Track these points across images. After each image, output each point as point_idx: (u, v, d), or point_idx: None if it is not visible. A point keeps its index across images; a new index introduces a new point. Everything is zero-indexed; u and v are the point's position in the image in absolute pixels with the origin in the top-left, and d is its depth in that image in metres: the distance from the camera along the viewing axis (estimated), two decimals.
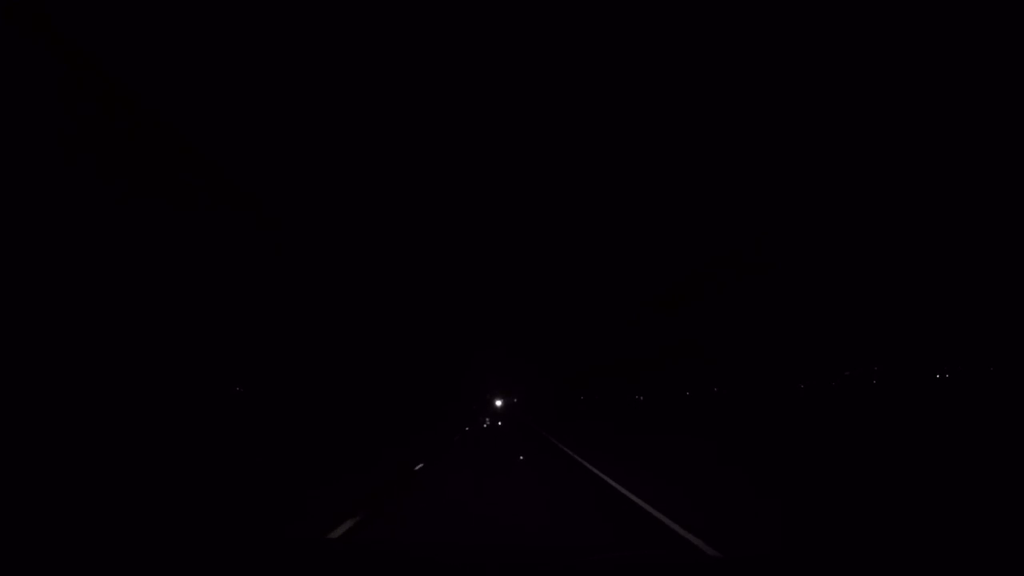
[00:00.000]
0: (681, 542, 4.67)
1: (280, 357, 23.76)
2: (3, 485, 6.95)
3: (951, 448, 9.49)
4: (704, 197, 43.44)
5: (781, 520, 5.16)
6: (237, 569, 1.72)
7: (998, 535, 4.38)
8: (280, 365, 23.58)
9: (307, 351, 26.08)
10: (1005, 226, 26.66)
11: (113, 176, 19.59)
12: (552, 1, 27.29)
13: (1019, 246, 25.96)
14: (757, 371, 45.69)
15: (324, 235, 33.63)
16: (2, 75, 17.00)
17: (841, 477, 7.40)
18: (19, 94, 17.60)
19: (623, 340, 65.31)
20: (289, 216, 28.58)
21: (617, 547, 4.56)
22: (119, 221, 19.15)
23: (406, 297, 56.11)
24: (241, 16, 22.94)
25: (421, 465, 10.48)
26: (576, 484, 8.13)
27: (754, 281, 41.89)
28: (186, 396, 19.06)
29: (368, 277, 44.64)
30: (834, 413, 21.06)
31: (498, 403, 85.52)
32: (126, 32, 21.06)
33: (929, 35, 26.34)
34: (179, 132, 22.34)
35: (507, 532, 5.05)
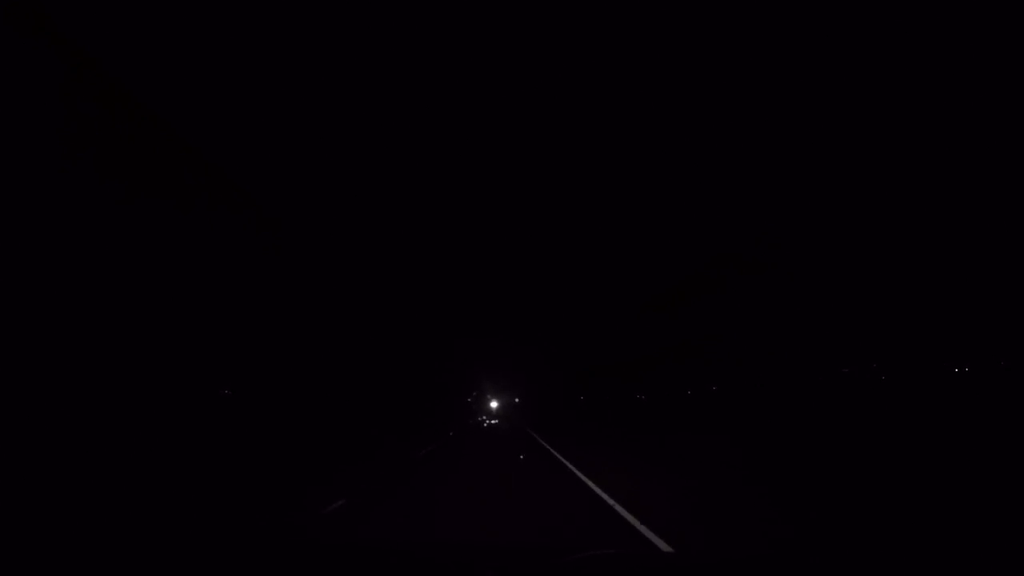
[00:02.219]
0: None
1: (272, 360, 23.73)
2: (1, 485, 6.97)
3: (956, 446, 9.43)
4: (704, 197, 43.38)
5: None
6: (220, 568, 1.75)
7: (999, 535, 4.36)
8: (271, 368, 23.51)
9: (301, 354, 26.01)
10: (1003, 224, 26.63)
11: (113, 176, 19.61)
12: (552, 1, 27.29)
13: (1018, 243, 25.93)
14: (757, 369, 45.66)
15: (324, 235, 33.67)
16: (2, 75, 17.01)
17: (843, 475, 7.38)
18: (19, 94, 17.61)
19: (623, 340, 65.27)
20: (289, 216, 28.63)
21: (602, 547, 4.55)
22: (118, 221, 19.17)
23: (404, 299, 55.87)
24: (241, 16, 22.96)
25: None
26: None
27: (754, 281, 41.86)
28: (182, 396, 19.09)
29: (367, 277, 44.55)
30: (837, 410, 21.04)
31: (493, 404, 75.76)
32: (126, 32, 21.09)
33: (929, 35, 26.30)
34: (179, 132, 22.36)
35: None
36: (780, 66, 30.32)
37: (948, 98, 28.26)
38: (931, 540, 4.31)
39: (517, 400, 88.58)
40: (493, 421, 51.76)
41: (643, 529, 4.99)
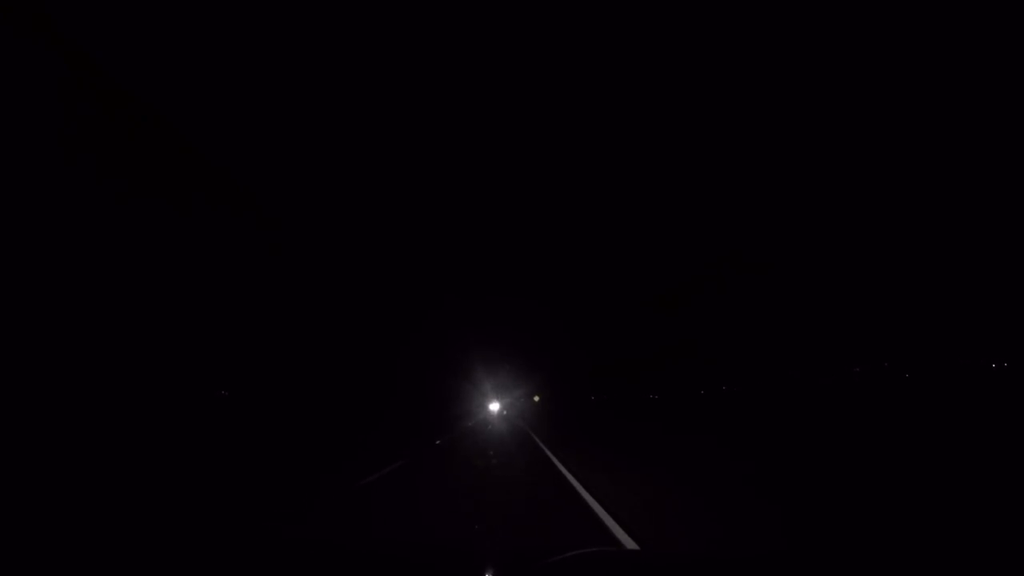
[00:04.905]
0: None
1: (273, 360, 23.60)
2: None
3: (967, 445, 9.10)
4: (710, 197, 43.01)
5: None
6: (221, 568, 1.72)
7: (1002, 535, 4.09)
8: (272, 368, 23.32)
9: (301, 354, 25.80)
10: (1004, 223, 26.06)
11: (113, 176, 19.64)
12: (560, 2, 27.12)
13: (1019, 242, 25.35)
14: (770, 369, 45.03)
15: (324, 235, 33.64)
16: (2, 75, 17.09)
17: (851, 478, 7.06)
18: (19, 94, 17.69)
19: (632, 339, 64.77)
20: (289, 216, 28.63)
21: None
22: (119, 221, 19.18)
23: (403, 302, 54.78)
24: (241, 16, 22.99)
25: None
26: None
27: (765, 281, 41.37)
28: (183, 396, 19.03)
29: (363, 279, 44.12)
30: (849, 410, 20.60)
31: (493, 407, 47.23)
32: (126, 32, 21.18)
33: (929, 35, 25.83)
34: (179, 132, 22.40)
35: None
36: (780, 68, 29.96)
37: (948, 98, 27.77)
38: (934, 542, 4.03)
39: (537, 398, 56.90)
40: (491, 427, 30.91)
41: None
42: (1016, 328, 26.07)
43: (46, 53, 18.67)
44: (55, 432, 11.99)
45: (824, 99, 31.56)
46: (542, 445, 12.50)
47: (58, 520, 5.14)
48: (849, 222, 34.05)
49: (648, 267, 53.64)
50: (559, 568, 1.83)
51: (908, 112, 29.20)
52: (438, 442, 15.29)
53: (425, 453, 11.74)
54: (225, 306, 21.01)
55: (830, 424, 15.67)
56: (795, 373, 42.26)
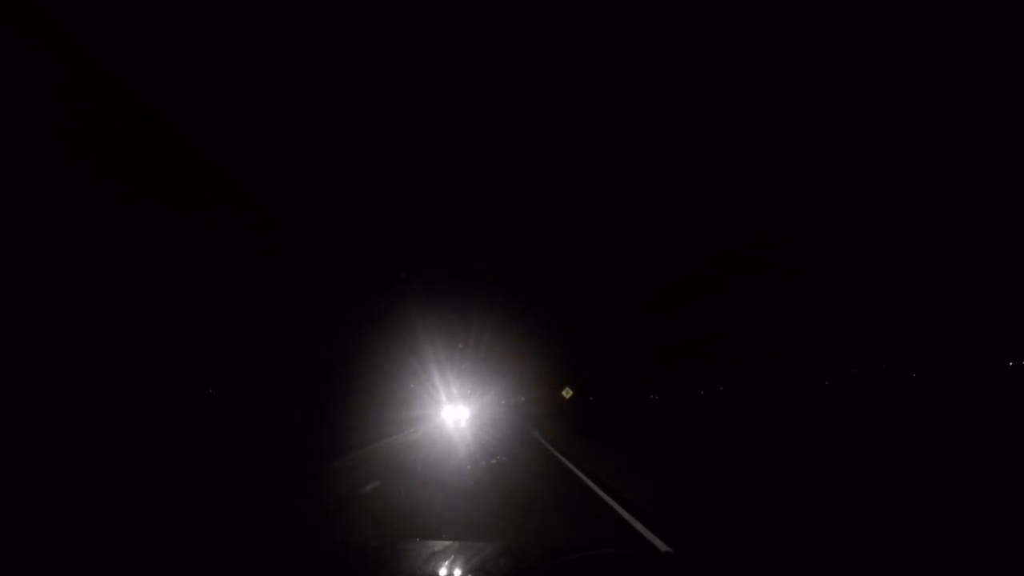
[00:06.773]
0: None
1: (269, 359, 23.45)
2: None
3: (969, 446, 9.08)
4: (713, 195, 43.03)
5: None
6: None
7: (1001, 536, 4.09)
8: (266, 369, 23.12)
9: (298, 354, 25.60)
10: (1005, 223, 26.08)
11: (111, 176, 19.57)
12: (558, 2, 27.13)
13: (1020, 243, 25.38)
14: (770, 370, 45.06)
15: (324, 234, 33.55)
16: (2, 75, 17.02)
17: (853, 478, 7.06)
18: (19, 94, 17.61)
19: (629, 338, 64.62)
20: (291, 216, 28.51)
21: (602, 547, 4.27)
22: (117, 220, 19.11)
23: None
24: (241, 16, 22.95)
25: None
26: None
27: (763, 282, 41.40)
28: (182, 396, 18.96)
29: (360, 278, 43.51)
30: (848, 412, 20.58)
31: (452, 417, 30.11)
32: (126, 32, 21.13)
33: (929, 35, 25.89)
34: (179, 132, 22.33)
35: None
36: (780, 67, 30.01)
37: (948, 98, 27.83)
38: (937, 543, 4.03)
39: (568, 394, 29.26)
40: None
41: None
42: (1017, 328, 26.09)
43: (46, 53, 18.60)
44: (45, 427, 11.95)
45: (825, 99, 31.61)
46: None
47: (25, 511, 5.15)
48: (849, 223, 34.08)
49: (647, 267, 53.60)
50: (567, 569, 1.83)
51: (908, 112, 29.26)
52: None
53: None
54: (225, 306, 20.94)
55: (840, 425, 15.50)
56: (796, 374, 42.28)
